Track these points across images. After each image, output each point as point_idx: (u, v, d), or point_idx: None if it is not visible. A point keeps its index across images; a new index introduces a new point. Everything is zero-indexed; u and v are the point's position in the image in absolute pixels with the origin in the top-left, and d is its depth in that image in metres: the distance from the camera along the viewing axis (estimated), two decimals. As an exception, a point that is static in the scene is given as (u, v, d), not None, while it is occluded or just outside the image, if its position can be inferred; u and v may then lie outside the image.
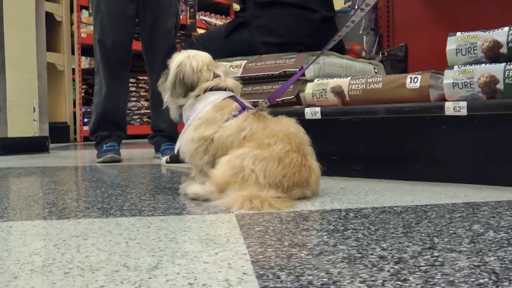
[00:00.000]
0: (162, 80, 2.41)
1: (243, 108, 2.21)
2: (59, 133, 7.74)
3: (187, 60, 2.29)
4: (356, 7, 4.41)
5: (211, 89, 2.25)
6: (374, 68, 3.44)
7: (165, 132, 4.31)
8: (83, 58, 8.32)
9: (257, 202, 1.87)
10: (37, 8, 5.36)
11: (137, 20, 4.30)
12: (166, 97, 2.39)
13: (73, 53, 8.14)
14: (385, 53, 4.07)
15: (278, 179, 1.97)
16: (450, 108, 2.40)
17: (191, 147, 2.21)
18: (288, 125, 2.15)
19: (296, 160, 2.01)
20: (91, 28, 5.13)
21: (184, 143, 2.25)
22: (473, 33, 2.43)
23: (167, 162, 3.79)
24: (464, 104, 2.37)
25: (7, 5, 5.11)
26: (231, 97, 2.26)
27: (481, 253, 1.24)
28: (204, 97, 2.25)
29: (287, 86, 2.57)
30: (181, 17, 4.80)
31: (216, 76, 2.29)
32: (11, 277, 1.13)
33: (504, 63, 2.31)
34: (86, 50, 7.96)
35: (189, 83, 2.26)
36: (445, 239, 1.39)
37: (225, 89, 2.27)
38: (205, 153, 2.18)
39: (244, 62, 3.23)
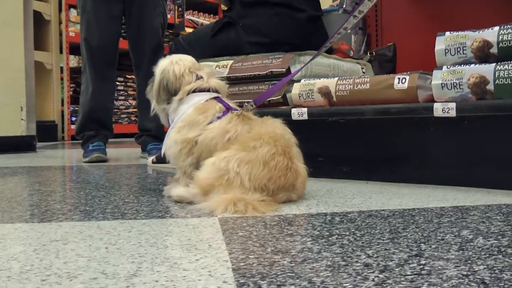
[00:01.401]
0: (149, 88, 2.41)
1: (227, 109, 2.18)
2: (47, 132, 7.72)
3: (170, 66, 2.30)
4: (344, 6, 4.39)
5: (194, 91, 2.24)
6: (362, 68, 3.42)
7: (151, 131, 4.28)
8: (71, 57, 8.30)
9: (241, 205, 1.84)
10: (25, 7, 5.33)
11: (124, 19, 4.28)
12: (153, 104, 2.38)
13: (61, 52, 8.11)
14: (373, 52, 4.05)
15: (263, 183, 1.94)
16: (439, 109, 2.37)
17: (174, 149, 2.19)
18: (274, 127, 2.12)
19: (282, 164, 1.98)
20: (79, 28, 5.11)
21: (168, 145, 2.23)
22: (463, 32, 2.41)
23: (153, 162, 3.76)
24: (453, 105, 2.34)
25: (-5, 4, 5.08)
26: (215, 98, 2.24)
27: (470, 262, 1.21)
28: (187, 99, 2.23)
29: (274, 90, 2.55)
30: (168, 16, 4.77)
31: (198, 78, 2.28)
32: (-13, 284, 1.10)
33: (494, 64, 2.28)
34: (75, 49, 7.92)
35: (172, 89, 2.27)
36: (433, 246, 1.36)
37: (208, 90, 2.26)
38: (189, 155, 2.16)
39: (230, 62, 3.21)
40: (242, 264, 1.22)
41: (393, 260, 1.23)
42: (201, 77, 2.29)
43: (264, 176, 1.94)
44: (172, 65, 2.30)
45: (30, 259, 1.29)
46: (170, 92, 2.27)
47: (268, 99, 2.94)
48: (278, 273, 1.14)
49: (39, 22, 7.22)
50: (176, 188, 2.15)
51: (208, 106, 2.19)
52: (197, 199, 2.02)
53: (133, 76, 7.90)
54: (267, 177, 1.94)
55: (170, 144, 2.21)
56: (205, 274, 1.15)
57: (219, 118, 2.14)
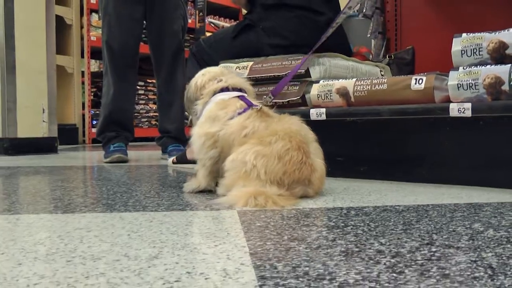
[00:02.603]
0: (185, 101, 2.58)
1: (249, 106, 2.23)
2: (68, 135, 7.80)
3: (196, 79, 2.47)
4: (364, 11, 4.42)
5: (216, 92, 2.35)
6: (381, 71, 3.44)
7: (171, 133, 4.33)
8: (92, 61, 8.38)
9: (261, 199, 1.88)
10: (47, 11, 5.43)
11: (144, 22, 4.34)
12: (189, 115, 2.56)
13: (82, 56, 8.19)
14: (392, 56, 4.06)
15: (278, 176, 1.98)
16: (454, 110, 2.40)
17: (198, 142, 2.25)
18: (290, 123, 2.16)
19: (296, 158, 2.01)
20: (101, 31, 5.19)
21: (193, 140, 2.30)
22: (479, 34, 2.43)
23: (173, 162, 3.80)
24: (468, 105, 2.36)
25: (18, 8, 5.18)
26: (239, 96, 2.30)
27: (479, 249, 1.24)
28: (211, 99, 2.33)
29: (289, 78, 2.59)
30: (189, 20, 4.82)
31: (219, 82, 2.40)
32: (16, 264, 1.15)
33: (510, 64, 2.30)
34: (96, 53, 8.00)
35: (193, 99, 2.43)
36: (444, 236, 1.40)
37: (227, 88, 2.35)
38: (211, 148, 2.21)
39: (250, 63, 3.24)
40: (259, 249, 1.27)
41: (405, 248, 1.27)
42: (221, 80, 2.40)
43: (279, 170, 1.97)
44: (197, 78, 2.47)
45: (56, 244, 1.34)
46: (192, 101, 2.43)
47: (288, 99, 2.98)
48: (294, 257, 1.18)
49: (60, 27, 7.30)
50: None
51: (229, 103, 2.25)
52: None
53: (153, 81, 7.98)
54: (281, 171, 1.98)
55: (195, 138, 2.28)
56: (223, 257, 1.19)
57: (239, 114, 2.19)
